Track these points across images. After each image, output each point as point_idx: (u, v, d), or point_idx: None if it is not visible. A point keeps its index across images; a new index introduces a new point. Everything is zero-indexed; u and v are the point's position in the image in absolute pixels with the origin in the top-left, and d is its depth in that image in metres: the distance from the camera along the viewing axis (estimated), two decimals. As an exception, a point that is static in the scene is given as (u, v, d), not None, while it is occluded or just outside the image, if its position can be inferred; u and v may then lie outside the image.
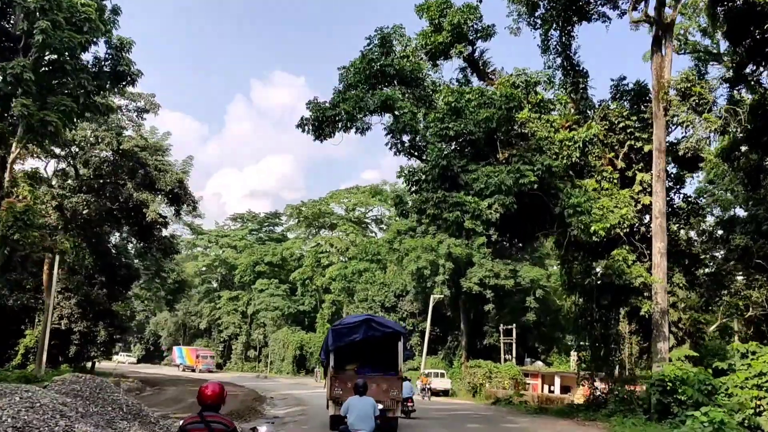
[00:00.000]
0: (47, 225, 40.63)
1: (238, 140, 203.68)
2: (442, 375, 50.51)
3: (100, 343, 46.27)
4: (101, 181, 41.95)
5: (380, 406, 15.72)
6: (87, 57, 29.62)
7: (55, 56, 27.36)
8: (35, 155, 39.94)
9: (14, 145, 27.05)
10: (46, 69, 27.73)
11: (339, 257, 79.40)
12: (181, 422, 6.27)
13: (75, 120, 29.13)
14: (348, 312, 70.01)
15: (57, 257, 40.17)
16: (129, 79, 29.82)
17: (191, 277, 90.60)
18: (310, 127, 25.89)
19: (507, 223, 25.14)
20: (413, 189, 24.54)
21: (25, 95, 25.80)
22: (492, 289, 57.65)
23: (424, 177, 24.06)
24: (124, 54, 29.58)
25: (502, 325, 57.86)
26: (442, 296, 57.56)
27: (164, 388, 45.93)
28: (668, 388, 23.85)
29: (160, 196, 42.70)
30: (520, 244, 32.14)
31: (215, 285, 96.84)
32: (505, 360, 56.33)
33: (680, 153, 27.92)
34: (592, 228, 23.62)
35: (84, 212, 43.25)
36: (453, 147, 24.45)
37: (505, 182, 22.56)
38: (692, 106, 25.74)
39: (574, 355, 55.50)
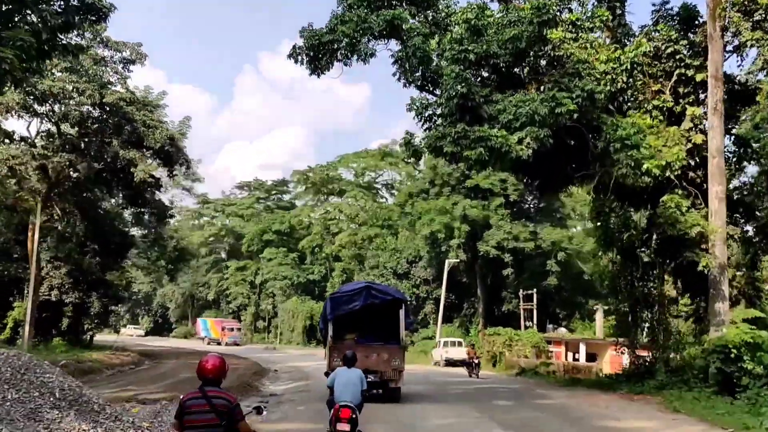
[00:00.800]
0: (31, 188, 36.99)
1: (247, 112, 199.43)
2: (459, 344, 46.56)
3: (94, 315, 42.74)
4: (86, 139, 38.07)
5: (372, 378, 15.97)
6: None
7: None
8: (15, 112, 36.15)
9: (-35, 88, 23.11)
10: (-1, 0, 23.74)
11: (349, 224, 75.53)
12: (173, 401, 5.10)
13: (38, 61, 25.12)
14: (360, 280, 66.42)
15: (38, 221, 36.55)
16: (100, 13, 25.71)
17: (197, 247, 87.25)
18: (304, 57, 21.74)
19: (537, 164, 20.97)
20: (426, 126, 20.38)
21: (-27, 27, 21.84)
22: (510, 252, 53.65)
23: (439, 110, 19.88)
24: (92, -17, 25.44)
25: (521, 290, 53.88)
26: (458, 261, 53.56)
27: (163, 362, 42.52)
28: (732, 356, 19.89)
29: (149, 155, 38.77)
30: (551, 191, 27.58)
31: (223, 255, 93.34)
32: (526, 327, 52.48)
33: (737, 82, 23.61)
34: (645, 166, 19.50)
35: (71, 174, 39.49)
36: (473, 74, 20.19)
37: (538, 112, 18.38)
38: (758, 22, 21.37)
39: (599, 320, 51.74)
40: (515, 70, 21.18)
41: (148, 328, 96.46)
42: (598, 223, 27.17)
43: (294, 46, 21.78)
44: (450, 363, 43.64)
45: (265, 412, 7.55)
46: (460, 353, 42.65)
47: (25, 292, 40.78)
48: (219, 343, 71.20)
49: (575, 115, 18.98)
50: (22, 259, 41.59)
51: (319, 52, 21.56)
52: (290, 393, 22.94)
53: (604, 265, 28.20)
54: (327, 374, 17.02)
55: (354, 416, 10.87)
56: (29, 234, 38.92)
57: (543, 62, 20.76)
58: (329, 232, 77.05)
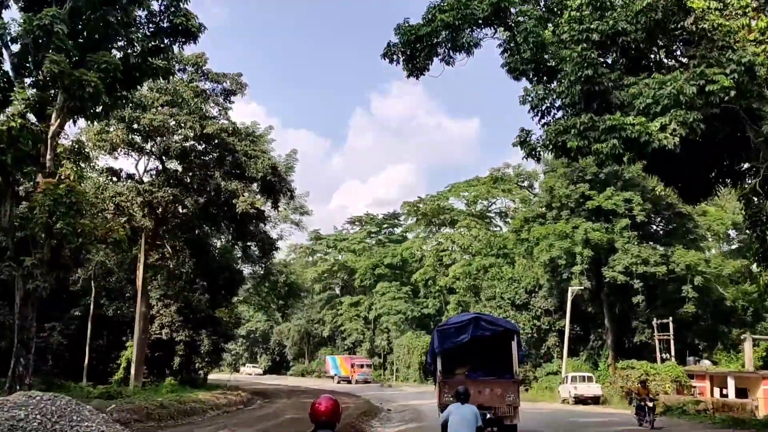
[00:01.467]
0: (136, 225, 36.41)
1: (360, 153, 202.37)
2: (589, 379, 41.90)
3: (204, 353, 41.54)
4: (189, 173, 37.27)
5: (490, 414, 14.39)
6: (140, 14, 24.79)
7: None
8: (120, 149, 35.85)
9: (54, 114, 22.13)
10: (85, 22, 22.79)
11: (462, 255, 72.04)
12: None
13: (127, 86, 24.04)
14: (476, 311, 62.77)
15: (142, 256, 35.77)
16: (188, 33, 24.44)
17: (311, 283, 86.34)
18: (399, 56, 19.15)
19: (680, 160, 17.17)
20: (543, 121, 17.13)
21: (58, 51, 20.84)
22: (640, 277, 48.45)
23: (559, 101, 16.62)
24: (181, 4, 24.24)
25: (655, 319, 48.46)
26: (582, 288, 48.94)
27: (274, 401, 40.71)
28: None
29: (253, 186, 37.42)
30: (697, 195, 23.21)
31: (337, 291, 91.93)
32: (662, 359, 46.96)
33: None
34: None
35: (177, 210, 38.79)
36: (598, 57, 16.80)
37: (684, 92, 14.78)
38: None
39: (747, 350, 45.42)
40: (648, 49, 17.60)
41: (266, 367, 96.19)
42: (755, 234, 22.66)
43: (388, 44, 19.26)
44: (580, 401, 39.20)
45: None
46: (591, 389, 38.20)
47: (135, 330, 40.25)
48: (349, 381, 68.57)
49: (731, 93, 15.18)
50: (133, 298, 41.21)
51: (416, 49, 18.89)
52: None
53: (763, 284, 23.45)
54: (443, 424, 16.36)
55: None
56: (138, 272, 38.37)
57: (682, 32, 16.98)
58: (442, 264, 73.84)
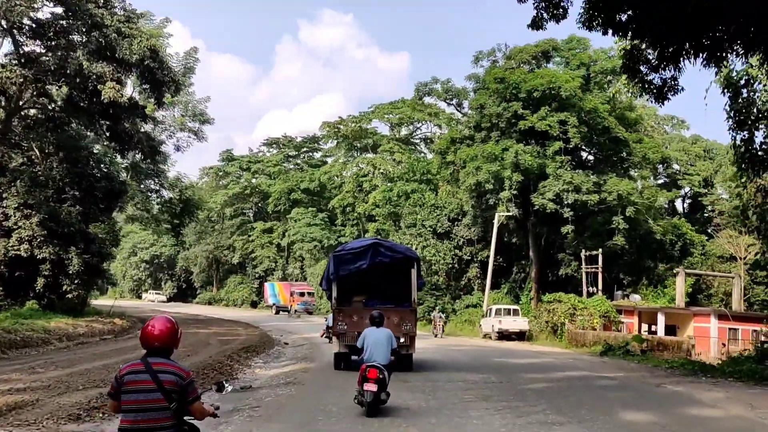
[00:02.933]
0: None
1: (287, 81, 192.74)
2: (515, 312, 37.31)
3: (73, 274, 34.54)
4: (50, 54, 29.62)
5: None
6: None
7: None
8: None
9: None
10: None
11: (383, 181, 66.32)
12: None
13: None
14: (395, 240, 57.69)
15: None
16: None
17: (220, 206, 79.36)
18: None
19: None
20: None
21: None
22: (570, 207, 44.04)
23: None
24: None
25: (583, 251, 44.39)
26: (512, 214, 44.17)
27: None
28: None
29: (131, 76, 30.17)
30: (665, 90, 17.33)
31: (250, 216, 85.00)
32: (589, 294, 43.14)
33: None
34: None
35: (35, 99, 31.26)
36: None
37: None
38: None
39: (680, 285, 42.03)
40: None
41: (170, 294, 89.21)
42: (741, 136, 17.59)
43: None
44: (504, 336, 34.67)
45: (229, 388, 5.97)
46: (517, 324, 33.69)
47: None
48: (288, 311, 60.69)
49: None
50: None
51: None
52: (272, 386, 14.14)
53: (747, 198, 18.59)
54: (341, 338, 17.24)
55: (381, 376, 10.37)
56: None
57: None
58: (362, 190, 68.07)
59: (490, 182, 44.34)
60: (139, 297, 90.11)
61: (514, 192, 44.12)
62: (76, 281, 35.03)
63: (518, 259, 52.34)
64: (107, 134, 32.33)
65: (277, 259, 76.89)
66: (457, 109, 53.41)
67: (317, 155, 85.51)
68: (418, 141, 74.17)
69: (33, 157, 36.73)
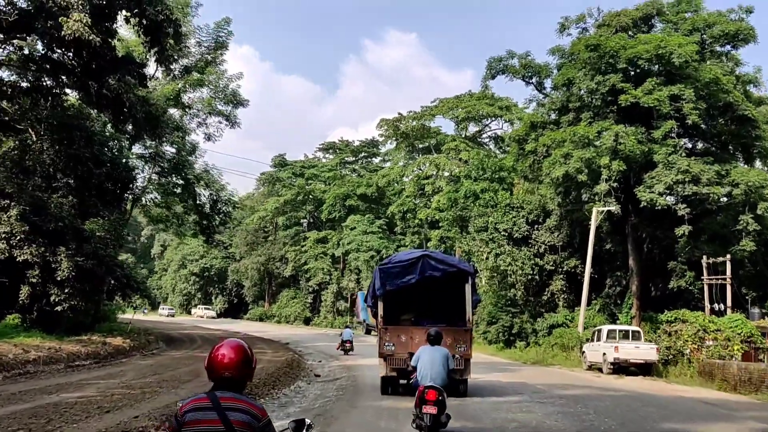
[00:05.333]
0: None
1: (352, 101, 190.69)
2: (635, 336, 26.98)
3: (62, 281, 26.75)
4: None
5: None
6: None
7: None
8: None
9: None
10: None
11: (448, 183, 57.26)
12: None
13: None
14: (465, 248, 48.43)
15: None
16: None
17: (271, 216, 71.74)
18: None
19: None
20: None
21: None
22: (687, 201, 34.01)
23: None
24: None
25: (705, 257, 34.19)
26: (613, 209, 34.44)
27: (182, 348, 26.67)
28: None
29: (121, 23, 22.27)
30: None
31: (304, 225, 76.90)
32: (713, 311, 32.88)
33: None
34: None
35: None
36: None
37: None
38: None
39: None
40: None
41: (221, 309, 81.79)
42: None
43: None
44: (621, 368, 24.84)
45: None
46: (641, 353, 23.91)
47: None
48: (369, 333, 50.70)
49: None
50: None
51: None
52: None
53: None
54: (387, 360, 15.80)
55: (441, 398, 9.46)
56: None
57: None
58: (424, 194, 59.13)
59: (582, 173, 34.67)
60: (189, 312, 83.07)
61: (614, 185, 34.35)
62: (66, 290, 27.17)
63: (612, 269, 42.22)
64: (94, 99, 24.31)
65: (331, 271, 68.48)
66: (538, 89, 43.83)
67: (376, 160, 77.17)
68: (487, 140, 64.82)
69: (27, 140, 29.50)
